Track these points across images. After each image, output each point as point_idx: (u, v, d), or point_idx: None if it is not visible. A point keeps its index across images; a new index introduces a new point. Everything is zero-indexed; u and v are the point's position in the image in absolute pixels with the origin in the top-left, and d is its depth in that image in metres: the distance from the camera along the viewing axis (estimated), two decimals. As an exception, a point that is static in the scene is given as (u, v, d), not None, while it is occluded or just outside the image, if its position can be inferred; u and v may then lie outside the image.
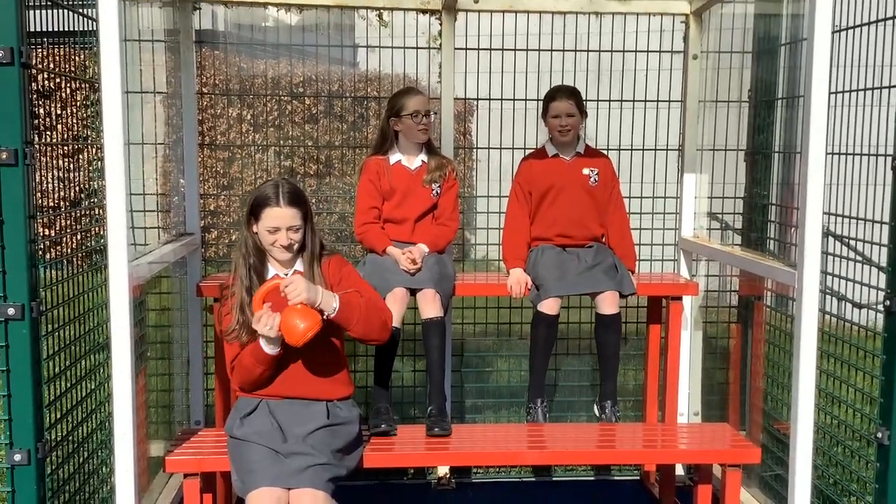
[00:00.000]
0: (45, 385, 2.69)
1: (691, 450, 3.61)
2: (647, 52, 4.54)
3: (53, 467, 2.80)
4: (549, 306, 3.73)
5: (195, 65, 4.19)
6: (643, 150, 4.65)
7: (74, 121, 3.96)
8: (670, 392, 4.28)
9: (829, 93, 2.92)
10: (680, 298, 4.22)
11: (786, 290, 3.89)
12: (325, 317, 2.97)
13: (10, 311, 2.53)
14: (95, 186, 3.46)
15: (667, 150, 4.60)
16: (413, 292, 3.67)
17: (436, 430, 3.53)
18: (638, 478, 4.60)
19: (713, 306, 4.61)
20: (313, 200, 6.30)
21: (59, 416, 2.87)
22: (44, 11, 2.87)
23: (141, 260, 3.21)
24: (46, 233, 4.34)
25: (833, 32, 2.93)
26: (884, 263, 2.96)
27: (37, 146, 2.71)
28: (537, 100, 4.15)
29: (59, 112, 6.90)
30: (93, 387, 3.19)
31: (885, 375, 2.94)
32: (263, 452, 2.98)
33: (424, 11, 4.31)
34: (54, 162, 3.17)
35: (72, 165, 3.66)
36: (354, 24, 6.15)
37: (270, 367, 3.08)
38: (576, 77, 4.40)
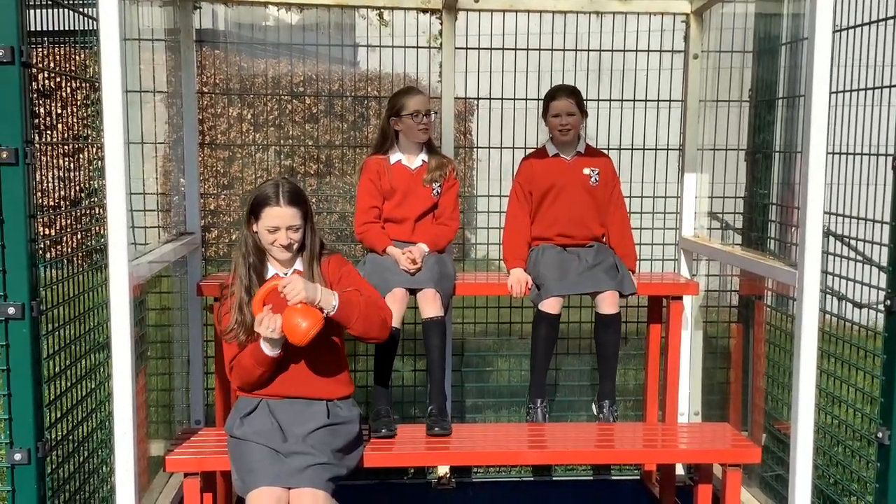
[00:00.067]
0: (46, 384, 2.69)
1: (692, 449, 3.61)
2: (648, 51, 4.54)
3: (54, 466, 2.80)
4: (550, 305, 3.73)
5: (195, 64, 4.19)
6: (643, 149, 4.65)
7: (75, 120, 3.96)
8: (671, 392, 4.28)
9: (830, 92, 2.92)
10: (680, 298, 4.22)
11: (786, 290, 3.89)
12: (325, 315, 2.96)
13: (11, 310, 2.53)
14: (96, 186, 3.46)
15: (667, 149, 4.60)
16: (413, 292, 3.67)
17: (436, 429, 3.53)
18: (638, 477, 4.60)
19: (714, 306, 4.61)
20: (313, 200, 6.30)
21: (59, 415, 2.87)
22: (44, 11, 2.87)
23: (141, 259, 3.21)
24: (47, 232, 4.35)
25: (833, 32, 2.93)
26: (884, 263, 2.95)
27: (37, 145, 2.71)
28: (538, 99, 4.15)
29: (59, 111, 6.90)
30: (93, 386, 3.19)
31: (885, 375, 2.94)
32: (264, 452, 2.98)
33: (425, 11, 4.31)
34: (55, 161, 3.17)
35: (72, 165, 3.66)
36: (355, 24, 6.14)
37: (270, 369, 3.08)
38: (576, 77, 4.40)
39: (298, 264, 3.15)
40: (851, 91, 3.33)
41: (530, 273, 3.89)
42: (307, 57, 5.26)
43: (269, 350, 3.01)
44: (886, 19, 3.16)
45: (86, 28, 3.03)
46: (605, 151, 4.15)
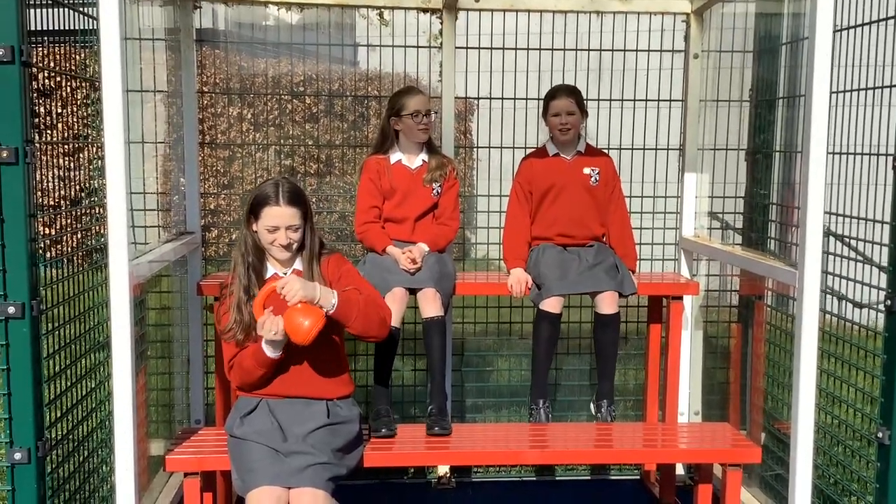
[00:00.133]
0: (46, 384, 2.69)
1: (692, 449, 3.61)
2: (648, 51, 4.54)
3: (54, 466, 2.80)
4: (551, 305, 3.73)
5: (196, 63, 4.18)
6: (644, 149, 4.65)
7: (75, 119, 3.96)
8: (671, 391, 4.27)
9: (830, 92, 2.92)
10: (680, 298, 4.22)
11: (786, 290, 3.89)
12: (325, 313, 2.96)
13: (11, 309, 2.53)
14: (96, 185, 3.46)
15: (668, 149, 4.60)
16: (413, 291, 3.67)
17: (436, 429, 3.53)
18: (638, 477, 4.60)
19: (714, 306, 4.61)
20: (313, 199, 6.30)
21: (59, 414, 2.87)
22: (44, 10, 2.87)
23: (141, 259, 3.21)
24: (47, 231, 4.35)
25: (834, 32, 2.93)
26: (884, 263, 2.95)
27: (37, 145, 2.71)
28: (538, 99, 4.14)
29: (59, 111, 6.91)
30: (93, 385, 3.19)
31: (885, 375, 2.94)
32: (264, 451, 2.98)
33: (425, 10, 4.31)
34: (55, 160, 3.17)
35: (72, 164, 3.66)
36: (355, 23, 6.14)
37: (271, 370, 3.08)
38: (576, 76, 4.40)
39: (298, 264, 3.15)
40: (852, 91, 3.33)
41: (530, 273, 3.89)
42: (307, 56, 5.26)
43: (271, 352, 3.01)
44: (887, 19, 3.16)
45: (86, 27, 3.03)
46: (606, 151, 4.15)
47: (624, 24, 4.47)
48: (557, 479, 4.60)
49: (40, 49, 3.09)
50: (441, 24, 4.29)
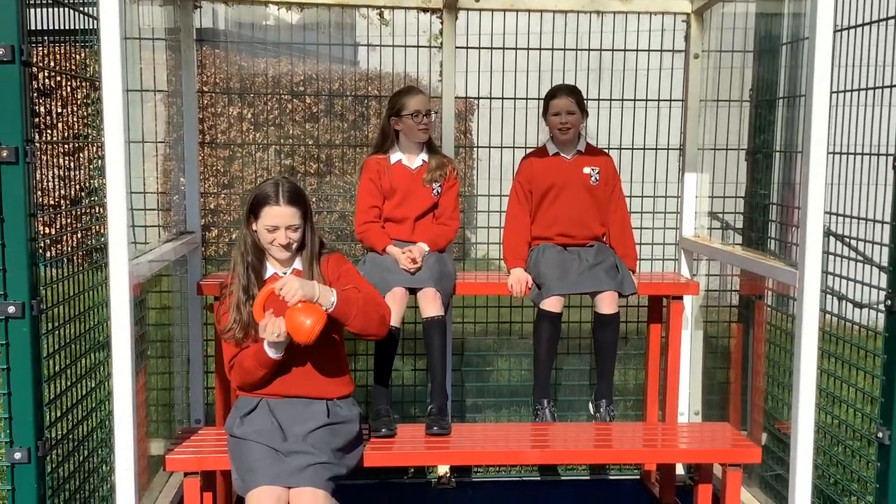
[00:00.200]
0: (46, 383, 2.68)
1: (692, 449, 3.61)
2: (649, 51, 4.54)
3: (54, 466, 2.80)
4: (551, 304, 3.73)
5: (196, 63, 4.18)
6: (644, 149, 4.65)
7: (75, 119, 3.96)
8: (671, 391, 4.27)
9: (831, 92, 2.92)
10: (681, 298, 4.22)
11: (786, 290, 3.88)
12: (325, 311, 2.96)
13: (11, 309, 2.53)
14: (96, 185, 3.46)
15: (668, 149, 4.60)
16: (413, 291, 3.67)
17: (434, 428, 3.53)
18: (638, 477, 4.60)
19: (714, 306, 4.61)
20: (314, 199, 6.30)
21: (59, 414, 2.87)
22: (45, 9, 2.86)
23: (141, 258, 3.21)
24: (47, 231, 4.35)
25: (834, 32, 2.93)
26: (884, 263, 2.95)
27: (37, 144, 2.71)
28: (538, 99, 4.14)
29: (59, 110, 6.90)
30: (93, 385, 3.19)
31: (885, 375, 2.94)
32: (264, 451, 2.97)
33: (425, 10, 4.31)
34: (55, 160, 3.16)
35: (72, 163, 3.66)
36: (355, 23, 6.14)
37: (272, 371, 3.08)
38: (577, 76, 4.40)
39: (297, 263, 3.15)
40: (852, 91, 3.33)
41: (530, 272, 3.89)
42: (307, 56, 5.26)
43: (273, 353, 3.01)
44: (887, 19, 3.15)
45: (86, 27, 3.03)
46: (606, 151, 4.15)
47: (624, 24, 4.47)
48: (557, 479, 4.60)
49: (40, 48, 3.09)
50: (441, 23, 4.28)
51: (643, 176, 4.64)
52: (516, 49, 4.56)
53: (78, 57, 3.43)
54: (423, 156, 3.88)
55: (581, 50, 4.49)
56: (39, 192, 2.81)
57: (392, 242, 3.77)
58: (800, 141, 3.41)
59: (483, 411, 5.07)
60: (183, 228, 4.15)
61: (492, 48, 4.56)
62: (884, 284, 2.95)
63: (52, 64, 3.37)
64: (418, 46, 4.52)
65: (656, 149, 4.64)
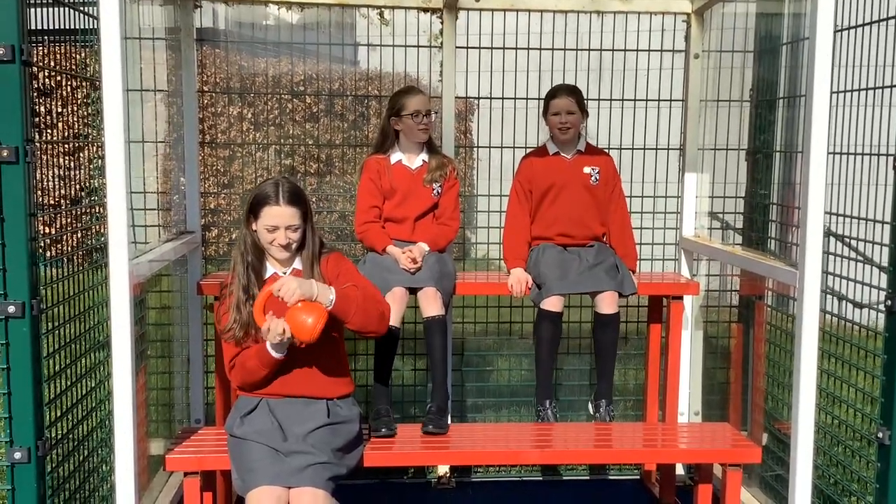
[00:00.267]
0: (46, 383, 2.68)
1: (692, 449, 3.61)
2: (649, 51, 4.54)
3: (53, 465, 2.80)
4: (552, 303, 3.73)
5: (196, 63, 4.18)
6: (644, 149, 4.65)
7: (75, 119, 3.96)
8: (671, 391, 4.27)
9: (831, 92, 2.92)
10: (681, 298, 4.22)
11: (787, 290, 3.88)
12: (325, 308, 2.96)
13: (11, 308, 2.53)
14: (96, 184, 3.46)
15: (668, 149, 4.59)
16: (413, 291, 3.67)
17: (430, 427, 3.53)
18: (638, 477, 4.60)
19: (714, 306, 4.61)
20: (314, 199, 6.30)
21: (59, 414, 2.87)
22: (45, 9, 2.86)
23: (141, 258, 3.21)
24: (47, 231, 4.35)
25: (834, 32, 2.93)
26: (884, 263, 2.95)
27: (37, 144, 2.71)
28: (538, 99, 4.14)
29: (59, 110, 6.90)
30: (93, 385, 3.19)
31: (885, 375, 2.94)
32: (264, 451, 2.97)
33: (425, 10, 4.30)
34: (55, 160, 3.16)
35: (72, 163, 3.66)
36: (355, 23, 6.14)
37: (275, 370, 3.08)
38: (577, 76, 4.40)
39: (297, 263, 3.15)
40: (852, 91, 3.33)
41: (530, 272, 3.89)
42: (307, 56, 5.26)
43: (276, 353, 3.01)
44: (887, 19, 3.15)
45: (86, 27, 3.03)
46: (606, 150, 4.15)
47: (624, 24, 4.46)
48: (557, 479, 4.60)
49: (41, 48, 3.09)
50: (441, 23, 4.28)
51: (643, 176, 4.64)
52: (516, 49, 4.55)
53: (78, 56, 3.44)
54: (424, 156, 3.88)
55: (581, 50, 4.49)
56: (39, 192, 2.81)
57: (392, 242, 3.77)
58: (800, 141, 3.41)
59: (483, 411, 5.07)
60: (183, 228, 4.15)
61: (492, 48, 4.56)
62: (884, 284, 2.95)
63: (52, 63, 3.37)
64: (418, 46, 4.52)
65: (656, 149, 4.64)
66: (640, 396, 4.68)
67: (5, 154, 2.48)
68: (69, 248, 3.24)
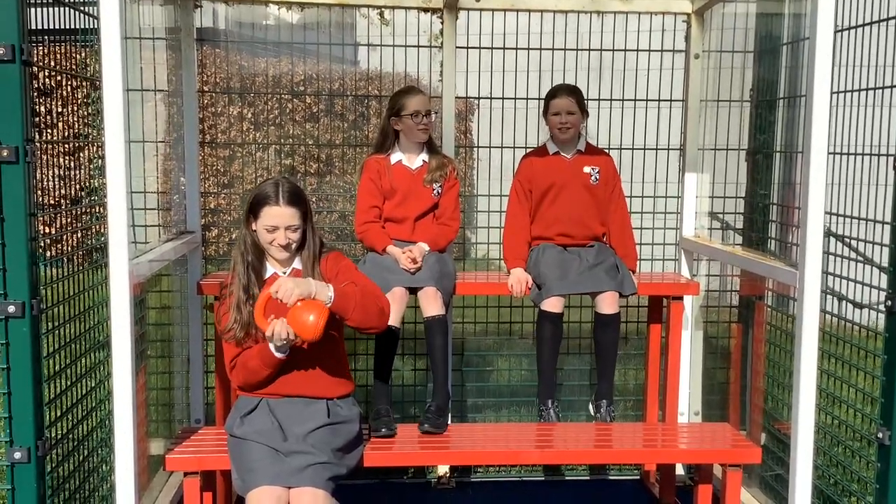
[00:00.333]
0: (46, 383, 2.68)
1: (692, 449, 3.61)
2: (649, 51, 4.54)
3: (53, 465, 2.80)
4: (552, 304, 3.73)
5: (196, 63, 4.18)
6: (644, 149, 4.65)
7: (75, 118, 3.96)
8: (671, 392, 4.27)
9: (831, 93, 2.92)
10: (681, 298, 4.22)
11: (787, 290, 3.88)
12: (325, 305, 2.95)
13: (11, 308, 2.53)
14: (96, 184, 3.46)
15: (668, 149, 4.59)
16: (414, 291, 3.67)
17: (426, 426, 3.54)
18: (638, 477, 4.60)
19: (714, 306, 4.61)
20: (313, 199, 6.30)
21: (59, 413, 2.87)
22: (45, 9, 2.86)
23: (141, 258, 3.21)
24: (47, 230, 4.35)
25: (835, 32, 2.93)
26: (884, 263, 2.95)
27: (38, 144, 2.71)
28: (539, 99, 4.14)
29: (60, 110, 6.90)
30: (93, 385, 3.19)
31: (885, 375, 2.94)
32: (264, 451, 2.97)
33: (426, 10, 4.30)
34: (55, 159, 3.16)
35: (72, 163, 3.66)
36: (355, 23, 6.14)
37: (277, 370, 3.08)
38: (577, 76, 4.40)
39: (297, 263, 3.15)
40: (852, 91, 3.33)
41: (530, 272, 3.89)
42: (308, 56, 5.25)
43: (279, 353, 3.01)
44: (887, 20, 3.15)
45: (87, 26, 3.03)
46: (606, 150, 4.15)
47: (624, 23, 4.46)
48: (557, 479, 4.60)
49: (41, 48, 3.09)
50: (441, 23, 4.28)
51: (643, 176, 4.64)
52: (516, 49, 4.55)
53: (78, 56, 3.44)
54: (424, 156, 3.88)
55: (581, 50, 4.49)
56: (39, 192, 2.81)
57: (392, 242, 3.77)
58: (800, 141, 3.41)
59: (483, 411, 5.07)
60: (183, 228, 4.15)
61: (492, 48, 4.56)
62: (884, 285, 2.95)
63: (52, 63, 3.37)
64: (418, 46, 4.52)
65: (657, 149, 4.63)
66: (640, 396, 4.68)
67: (5, 154, 2.48)
68: (69, 248, 3.24)
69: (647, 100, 4.59)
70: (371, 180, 3.84)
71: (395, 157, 3.87)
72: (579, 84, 4.09)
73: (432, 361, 3.67)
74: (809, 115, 2.90)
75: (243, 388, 3.17)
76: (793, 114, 3.88)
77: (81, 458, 3.08)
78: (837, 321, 3.55)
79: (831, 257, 3.45)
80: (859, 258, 3.42)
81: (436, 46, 4.44)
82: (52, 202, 3.45)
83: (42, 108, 7.38)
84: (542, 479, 4.59)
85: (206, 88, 5.09)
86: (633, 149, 4.64)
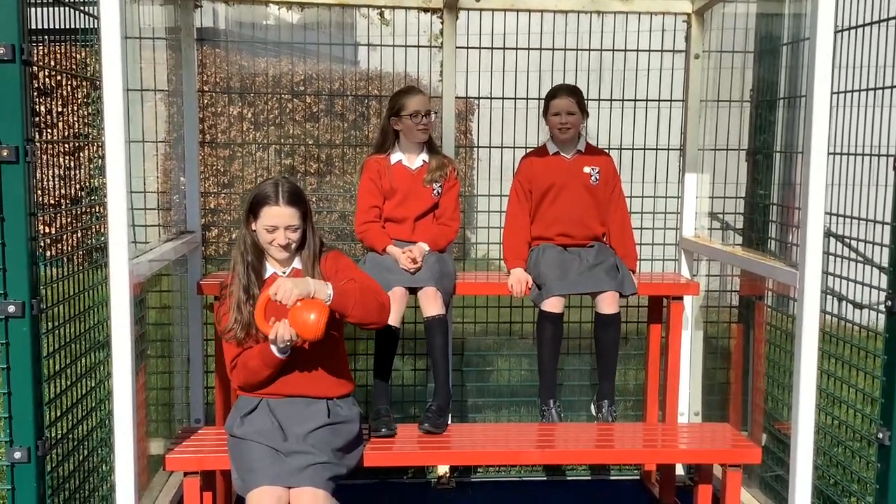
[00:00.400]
0: (46, 383, 2.68)
1: (692, 450, 3.61)
2: (649, 51, 4.54)
3: (53, 465, 2.80)
4: (552, 304, 3.73)
5: (196, 63, 4.18)
6: (644, 149, 4.65)
7: (75, 118, 3.96)
8: (671, 392, 4.27)
9: (831, 93, 2.92)
10: (681, 298, 4.22)
11: (787, 291, 3.88)
12: (325, 303, 2.95)
13: (11, 308, 2.53)
14: (96, 184, 3.46)
15: (668, 149, 4.59)
16: (414, 291, 3.67)
17: (426, 425, 3.54)
18: (638, 478, 4.60)
19: (714, 306, 4.61)
20: (313, 199, 6.30)
21: (59, 413, 2.87)
22: (45, 9, 2.86)
23: (141, 258, 3.21)
24: (47, 230, 4.35)
25: (835, 33, 2.93)
26: (884, 263, 2.95)
27: (38, 143, 2.71)
28: (538, 99, 4.14)
29: (60, 109, 6.90)
30: (93, 384, 3.19)
31: (885, 376, 2.94)
32: (264, 451, 2.97)
33: (426, 10, 4.30)
34: (55, 159, 3.16)
35: (72, 163, 3.66)
36: (355, 23, 6.14)
37: (278, 370, 3.08)
38: (577, 76, 4.40)
39: (297, 263, 3.15)
40: (852, 92, 3.33)
41: (531, 273, 3.89)
42: (308, 56, 5.26)
43: (280, 353, 3.01)
44: (888, 20, 3.15)
45: (87, 26, 3.03)
46: (606, 151, 4.15)
47: (625, 24, 4.46)
48: (557, 479, 4.60)
49: (41, 48, 3.09)
50: (441, 23, 4.28)
51: (643, 176, 4.64)
52: (516, 49, 4.55)
53: (78, 56, 3.44)
54: (424, 156, 3.88)
55: (581, 50, 4.49)
56: (40, 192, 2.81)
57: (392, 242, 3.77)
58: (800, 141, 3.41)
59: (483, 411, 5.07)
60: (183, 228, 4.15)
61: (492, 48, 4.56)
62: (884, 285, 2.95)
63: (52, 63, 3.37)
64: (419, 46, 4.52)
65: (657, 149, 4.63)
66: (640, 396, 4.68)
67: (5, 154, 2.48)
68: (69, 248, 3.24)
69: (647, 100, 4.59)
70: (371, 180, 3.84)
71: (396, 157, 3.87)
72: (579, 84, 4.10)
73: (433, 361, 3.67)
74: (809, 115, 2.90)
75: (244, 389, 3.17)
76: (793, 114, 3.88)
77: (81, 457, 3.08)
78: (837, 321, 3.55)
79: (831, 257, 3.45)
80: (859, 258, 3.42)
81: (436, 46, 4.44)
82: (52, 202, 3.45)
83: (42, 108, 7.38)
84: (543, 479, 4.59)
85: (206, 88, 5.09)
86: (633, 149, 4.63)
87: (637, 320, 4.61)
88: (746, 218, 4.36)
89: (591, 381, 4.68)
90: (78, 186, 3.69)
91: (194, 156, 4.14)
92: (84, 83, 4.06)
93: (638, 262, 4.05)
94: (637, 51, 4.55)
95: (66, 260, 3.10)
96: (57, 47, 3.21)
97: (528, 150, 4.15)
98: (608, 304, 3.76)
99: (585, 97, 3.99)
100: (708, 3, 4.21)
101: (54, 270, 2.92)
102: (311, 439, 3.01)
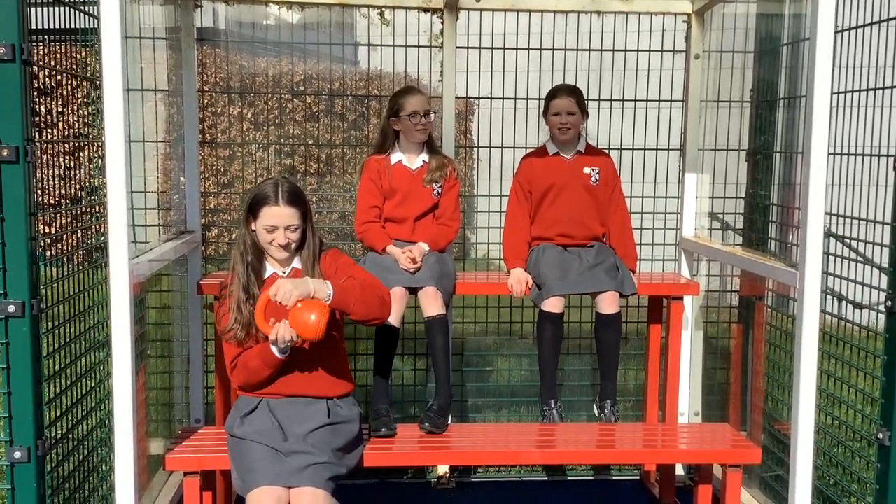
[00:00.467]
0: (45, 382, 2.68)
1: (692, 450, 3.61)
2: (649, 51, 4.54)
3: (53, 465, 2.80)
4: (552, 304, 3.73)
5: (196, 62, 4.18)
6: (644, 149, 4.65)
7: (75, 118, 3.96)
8: (671, 392, 4.27)
9: (831, 93, 2.92)
10: (681, 298, 4.22)
11: (787, 291, 3.88)
12: (325, 303, 2.95)
13: (11, 308, 2.53)
14: (96, 184, 3.46)
15: (668, 149, 4.60)
16: (414, 291, 3.67)
17: (426, 425, 3.54)
18: (638, 478, 4.60)
19: (714, 306, 4.61)
20: (313, 199, 6.30)
21: (59, 413, 2.87)
22: (45, 8, 2.87)
23: (141, 258, 3.21)
24: (47, 230, 4.35)
25: (835, 33, 2.93)
26: (884, 264, 2.95)
27: (38, 143, 2.71)
28: (539, 99, 4.14)
29: (60, 109, 6.90)
30: (93, 384, 3.19)
31: (885, 376, 2.94)
32: (264, 451, 2.97)
33: (426, 10, 4.30)
34: (55, 159, 3.16)
35: (72, 163, 3.66)
36: (356, 23, 6.14)
37: (278, 370, 3.08)
38: (577, 76, 4.40)
39: (297, 263, 3.15)
40: (852, 92, 3.33)
41: (531, 273, 3.89)
42: (308, 56, 5.26)
43: (280, 353, 3.01)
44: (888, 20, 3.15)
45: (87, 26, 3.03)
46: (606, 151, 4.15)
47: (625, 24, 4.46)
48: (557, 479, 4.60)
49: (41, 47, 3.09)
50: (442, 23, 4.28)
51: (643, 176, 4.64)
52: (516, 49, 4.55)
53: (78, 56, 3.44)
54: (424, 156, 3.88)
55: (581, 50, 4.49)
56: (40, 192, 2.81)
57: (392, 242, 3.77)
58: (800, 142, 3.41)
59: (483, 411, 5.07)
60: (183, 228, 4.15)
61: (492, 48, 4.56)
62: (884, 285, 2.95)
63: (52, 63, 3.37)
64: (419, 46, 4.52)
65: (657, 149, 4.64)
66: (640, 397, 4.68)
67: (5, 153, 2.48)
68: (69, 248, 3.24)
69: (647, 100, 4.59)
70: (371, 180, 3.84)
71: (395, 157, 3.87)
72: (579, 84, 4.10)
73: (434, 361, 3.67)
74: (810, 115, 2.90)
75: (244, 389, 3.17)
76: (793, 114, 3.88)
77: (81, 457, 3.08)
78: (837, 322, 3.55)
79: (831, 258, 3.45)
80: (859, 259, 3.42)
81: (436, 46, 4.44)
82: (52, 202, 3.45)
83: (42, 108, 7.39)
84: (543, 479, 4.59)
85: (206, 88, 5.09)
86: (633, 149, 4.64)
87: (637, 320, 4.61)
88: (746, 218, 4.36)
89: (592, 381, 4.68)
90: (78, 186, 3.69)
91: (194, 156, 4.14)
92: (84, 83, 4.06)
93: (638, 263, 4.05)
94: (637, 51, 4.55)
95: (66, 260, 3.10)
96: (57, 47, 3.20)
97: (528, 151, 4.15)
98: (608, 304, 3.76)
99: (585, 97, 3.99)
100: (708, 3, 4.21)
101: (54, 270, 2.92)
102: (311, 439, 3.01)
